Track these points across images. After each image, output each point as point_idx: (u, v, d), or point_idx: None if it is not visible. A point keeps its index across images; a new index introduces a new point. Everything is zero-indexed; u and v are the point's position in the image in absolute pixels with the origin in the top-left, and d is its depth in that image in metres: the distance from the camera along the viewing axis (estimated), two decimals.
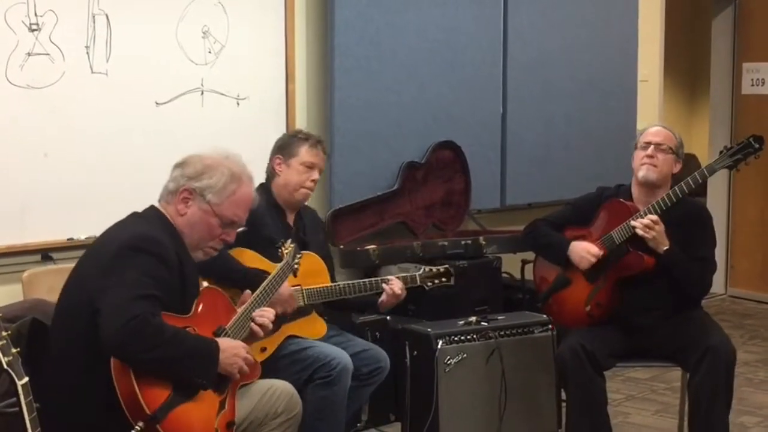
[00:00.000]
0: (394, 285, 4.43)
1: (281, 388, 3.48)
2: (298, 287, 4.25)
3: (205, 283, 3.43)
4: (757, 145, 4.41)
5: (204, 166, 3.27)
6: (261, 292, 3.61)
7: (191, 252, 3.30)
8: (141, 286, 2.99)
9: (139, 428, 2.93)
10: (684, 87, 11.29)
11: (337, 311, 4.63)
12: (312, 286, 4.31)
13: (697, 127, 10.92)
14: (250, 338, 3.47)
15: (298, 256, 3.92)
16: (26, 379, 2.51)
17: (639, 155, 4.46)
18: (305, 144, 4.44)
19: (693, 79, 11.25)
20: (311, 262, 4.36)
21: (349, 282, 4.44)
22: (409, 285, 4.51)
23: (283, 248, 3.89)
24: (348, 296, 4.38)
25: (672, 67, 9.70)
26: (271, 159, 4.51)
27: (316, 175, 4.45)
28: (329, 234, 5.33)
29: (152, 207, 3.31)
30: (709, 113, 8.73)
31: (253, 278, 4.10)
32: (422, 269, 4.61)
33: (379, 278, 4.49)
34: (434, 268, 4.62)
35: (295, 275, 4.00)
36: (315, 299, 4.32)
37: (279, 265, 3.82)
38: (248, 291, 3.59)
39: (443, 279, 4.60)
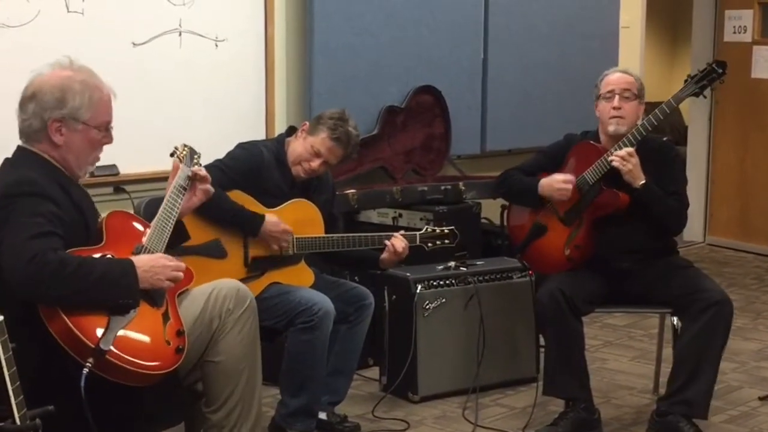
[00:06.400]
0: (396, 243, 4.33)
1: (225, 286, 3.43)
2: (291, 232, 4.22)
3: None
4: (720, 70, 4.41)
5: (59, 90, 3.17)
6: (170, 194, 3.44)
7: (80, 171, 3.27)
8: (31, 227, 2.98)
9: (90, 364, 2.91)
10: (666, 34, 11.27)
11: (335, 266, 4.59)
12: (303, 236, 4.26)
13: (678, 75, 10.89)
14: (193, 200, 3.43)
15: (196, 155, 3.62)
16: (1, 317, 2.47)
17: (605, 108, 4.42)
18: (327, 132, 4.27)
19: (675, 26, 11.22)
20: (305, 210, 4.30)
21: (344, 235, 4.36)
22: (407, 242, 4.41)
23: (178, 152, 3.57)
24: (341, 249, 4.30)
25: (654, 14, 9.67)
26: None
27: (316, 163, 4.28)
28: None
29: (20, 148, 3.24)
30: (691, 61, 8.69)
31: (245, 217, 4.09)
32: (424, 228, 4.50)
33: (377, 234, 4.38)
34: (437, 229, 4.50)
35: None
36: (305, 249, 4.25)
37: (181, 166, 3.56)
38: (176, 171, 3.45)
39: (446, 241, 4.49)
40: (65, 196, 3.15)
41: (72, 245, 3.06)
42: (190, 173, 3.44)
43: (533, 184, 4.53)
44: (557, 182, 4.46)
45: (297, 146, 4.32)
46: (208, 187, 3.51)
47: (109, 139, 3.30)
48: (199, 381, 3.46)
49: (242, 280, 4.07)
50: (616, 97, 4.39)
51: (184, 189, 3.42)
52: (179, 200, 3.39)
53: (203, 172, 3.49)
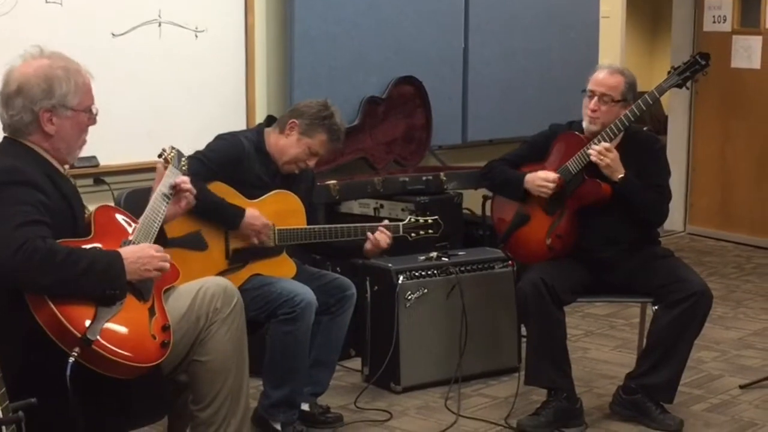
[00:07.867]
0: (381, 237, 4.31)
1: (212, 285, 3.43)
2: (271, 226, 4.21)
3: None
4: (703, 62, 4.42)
5: (44, 80, 3.16)
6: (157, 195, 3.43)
7: (70, 157, 3.28)
8: (19, 215, 2.97)
9: (76, 354, 2.89)
10: (646, 23, 11.29)
11: (319, 255, 4.57)
12: (285, 227, 4.24)
13: (658, 64, 10.93)
14: (177, 209, 3.45)
15: (184, 158, 3.61)
16: None
17: (584, 103, 4.45)
18: (326, 135, 4.27)
19: (655, 16, 11.24)
20: (287, 201, 4.28)
21: (325, 226, 4.36)
22: (391, 234, 4.39)
23: (165, 154, 3.55)
24: (323, 240, 4.28)
25: (634, 4, 9.68)
26: (287, 114, 4.35)
27: (313, 162, 4.31)
28: None
29: (6, 139, 3.23)
30: (671, 50, 8.71)
31: (226, 211, 4.08)
32: (408, 218, 4.47)
33: (361, 225, 4.36)
34: (421, 219, 4.47)
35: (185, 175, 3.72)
36: (287, 240, 4.24)
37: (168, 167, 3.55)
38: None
39: (430, 230, 4.46)
40: (53, 186, 3.14)
41: (59, 236, 3.05)
42: (173, 182, 3.42)
43: (518, 177, 4.52)
44: (539, 179, 4.45)
45: (289, 147, 4.27)
46: (191, 199, 3.50)
47: (93, 121, 3.30)
48: (184, 374, 3.45)
49: (223, 272, 4.08)
50: (595, 98, 4.40)
51: (168, 197, 3.40)
52: (163, 207, 3.37)
53: (187, 185, 3.46)
